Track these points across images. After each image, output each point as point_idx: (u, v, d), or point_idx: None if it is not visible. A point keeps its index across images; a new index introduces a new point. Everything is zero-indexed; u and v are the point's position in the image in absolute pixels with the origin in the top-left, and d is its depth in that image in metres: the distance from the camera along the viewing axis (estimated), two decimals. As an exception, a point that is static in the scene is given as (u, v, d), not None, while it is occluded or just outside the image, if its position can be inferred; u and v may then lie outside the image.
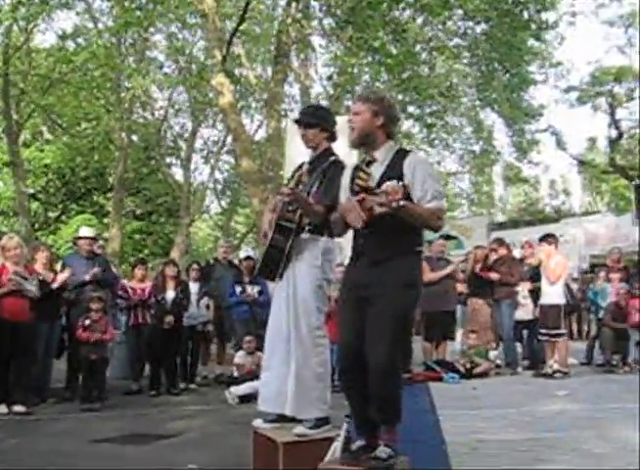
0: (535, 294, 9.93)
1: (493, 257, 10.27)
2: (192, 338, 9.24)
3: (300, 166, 4.44)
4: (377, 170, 3.76)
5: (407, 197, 3.49)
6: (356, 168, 3.88)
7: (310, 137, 4.37)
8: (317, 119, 4.39)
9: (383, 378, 3.58)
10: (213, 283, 9.79)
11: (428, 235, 7.86)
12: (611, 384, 8.25)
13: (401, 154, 3.80)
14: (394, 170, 3.69)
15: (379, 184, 3.63)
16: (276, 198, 4.40)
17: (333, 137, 4.41)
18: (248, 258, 9.70)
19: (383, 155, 3.80)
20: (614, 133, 26.57)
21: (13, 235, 8.24)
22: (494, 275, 9.92)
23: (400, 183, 3.41)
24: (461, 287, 10.50)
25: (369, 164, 3.82)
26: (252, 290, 9.26)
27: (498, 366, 9.89)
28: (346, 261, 4.01)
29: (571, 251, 17.37)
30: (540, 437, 5.35)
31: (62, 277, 8.06)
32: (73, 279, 8.24)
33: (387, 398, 3.63)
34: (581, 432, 5.51)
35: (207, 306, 9.46)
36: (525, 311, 10.09)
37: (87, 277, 8.36)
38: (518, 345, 10.40)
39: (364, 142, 3.86)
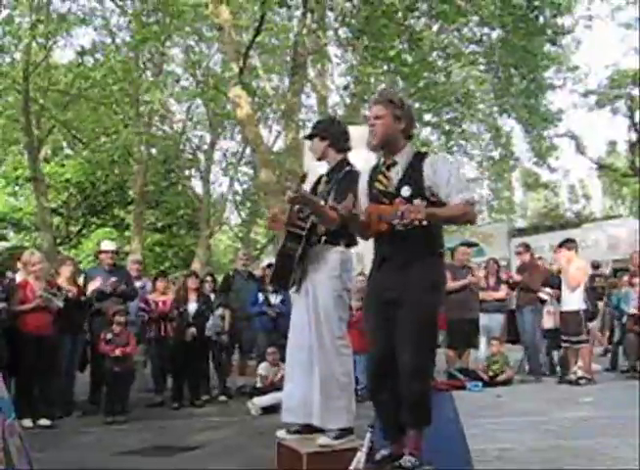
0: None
1: (517, 262, 10.28)
2: (208, 348, 9.22)
3: (319, 180, 4.47)
4: (396, 174, 3.77)
5: (432, 203, 3.53)
6: (374, 171, 3.89)
7: (313, 147, 4.48)
8: (315, 130, 4.51)
9: (413, 379, 3.60)
10: (233, 294, 9.80)
11: (448, 242, 7.84)
12: (636, 390, 8.14)
13: (419, 156, 3.81)
14: (414, 173, 3.71)
15: (398, 188, 3.68)
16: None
17: (337, 146, 4.40)
18: (270, 265, 9.64)
19: (402, 158, 3.81)
20: (633, 136, 26.38)
21: (34, 250, 8.35)
22: (517, 276, 10.02)
23: (423, 202, 3.41)
24: (502, 294, 10.40)
25: (389, 167, 3.82)
26: (276, 299, 9.26)
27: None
28: (366, 271, 4.02)
29: (593, 256, 17.18)
30: (565, 444, 5.31)
31: (94, 286, 8.20)
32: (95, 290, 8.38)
33: (417, 399, 3.64)
34: (606, 439, 5.45)
35: (222, 317, 9.46)
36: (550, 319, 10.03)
37: (107, 289, 8.45)
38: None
39: (385, 146, 3.86)
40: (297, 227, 4.18)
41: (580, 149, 26.84)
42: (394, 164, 3.80)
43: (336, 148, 4.40)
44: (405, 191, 3.67)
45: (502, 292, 10.36)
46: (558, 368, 9.97)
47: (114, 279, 8.51)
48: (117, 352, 7.68)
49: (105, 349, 7.74)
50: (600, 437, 5.58)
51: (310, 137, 4.52)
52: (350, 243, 4.22)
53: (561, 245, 9.67)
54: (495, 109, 21.18)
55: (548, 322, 9.97)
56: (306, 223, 4.15)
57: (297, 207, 4.19)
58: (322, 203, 4.12)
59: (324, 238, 4.19)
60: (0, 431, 3.38)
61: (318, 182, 4.47)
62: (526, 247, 10.49)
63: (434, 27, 17.25)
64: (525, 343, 9.98)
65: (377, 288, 3.87)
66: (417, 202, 3.44)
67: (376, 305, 3.84)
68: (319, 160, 4.48)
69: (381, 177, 3.80)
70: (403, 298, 3.65)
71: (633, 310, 9.88)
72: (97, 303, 8.40)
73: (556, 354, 10.22)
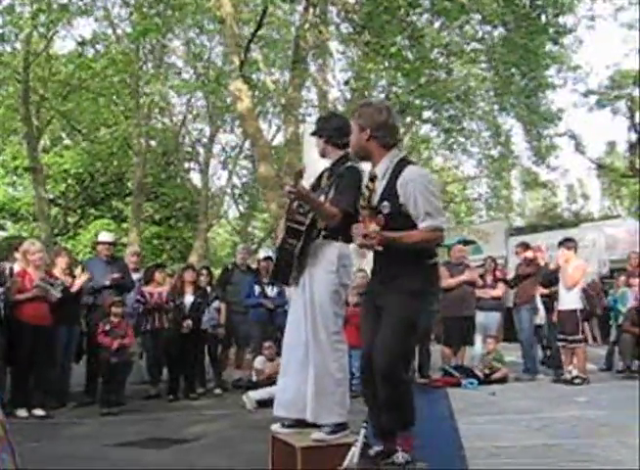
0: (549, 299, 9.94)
1: (515, 260, 10.34)
2: (204, 340, 9.23)
3: (322, 174, 4.48)
4: (379, 186, 3.79)
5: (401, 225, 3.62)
6: (367, 184, 3.92)
7: (316, 145, 4.52)
8: (316, 128, 4.52)
9: (384, 382, 3.62)
10: (231, 288, 9.80)
11: (446, 240, 7.85)
12: (630, 390, 8.17)
13: (398, 168, 3.76)
14: (392, 188, 3.72)
15: (378, 203, 3.72)
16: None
17: (335, 142, 4.40)
18: (267, 258, 9.70)
19: (383, 169, 3.81)
20: (633, 137, 26.37)
21: (34, 240, 8.32)
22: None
23: (378, 229, 3.49)
24: (499, 292, 10.41)
25: (372, 179, 3.83)
26: (272, 291, 9.28)
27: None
28: (366, 267, 4.05)
29: (591, 256, 17.20)
30: (559, 443, 5.32)
31: (80, 281, 8.12)
32: (92, 283, 8.32)
33: (388, 403, 3.65)
34: (601, 438, 5.47)
35: (219, 310, 9.47)
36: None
37: (107, 282, 8.42)
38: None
39: (361, 158, 3.98)
40: (298, 223, 4.18)
41: (580, 149, 26.81)
42: (375, 177, 3.81)
43: (334, 144, 4.39)
44: (385, 208, 3.69)
45: (499, 290, 10.38)
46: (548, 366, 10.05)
47: (116, 275, 8.48)
48: (116, 344, 7.68)
49: (103, 340, 7.74)
50: (594, 436, 5.60)
51: (313, 134, 4.55)
52: (349, 238, 4.21)
53: (560, 244, 9.67)
54: (495, 107, 21.11)
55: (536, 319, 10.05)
56: (306, 219, 4.15)
57: (296, 202, 4.20)
58: (321, 199, 4.13)
59: (323, 232, 4.19)
60: None
61: (320, 177, 4.47)
62: (526, 246, 10.51)
63: (436, 24, 17.20)
64: (521, 341, 10.00)
65: (369, 293, 4.05)
66: (372, 227, 3.47)
67: (367, 308, 3.99)
68: (322, 156, 4.50)
69: (365, 191, 3.83)
70: (385, 304, 3.72)
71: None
72: (92, 295, 8.38)
73: (547, 352, 10.26)
